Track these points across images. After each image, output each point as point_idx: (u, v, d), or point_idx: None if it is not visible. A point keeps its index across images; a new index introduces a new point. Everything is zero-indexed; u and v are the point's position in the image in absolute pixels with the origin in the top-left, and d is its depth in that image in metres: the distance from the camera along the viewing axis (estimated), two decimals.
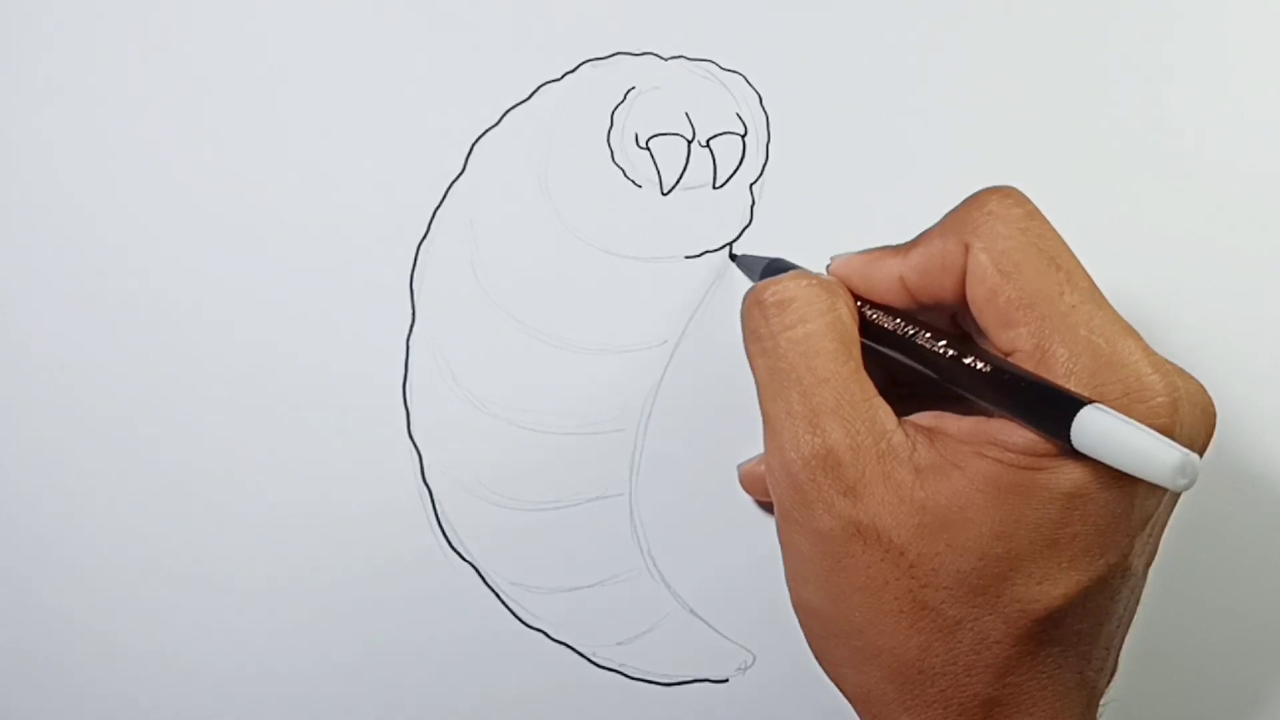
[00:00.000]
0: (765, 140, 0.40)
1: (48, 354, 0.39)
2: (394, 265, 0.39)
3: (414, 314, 0.39)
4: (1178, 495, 0.33)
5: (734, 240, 0.40)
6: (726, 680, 0.39)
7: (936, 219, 0.34)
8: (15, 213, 0.39)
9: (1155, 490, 0.31)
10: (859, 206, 0.40)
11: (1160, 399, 0.29)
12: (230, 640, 0.38)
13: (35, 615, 0.38)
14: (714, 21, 0.41)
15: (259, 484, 0.38)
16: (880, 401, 0.32)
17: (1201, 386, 0.31)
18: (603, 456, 0.39)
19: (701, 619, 0.39)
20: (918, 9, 0.41)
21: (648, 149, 0.40)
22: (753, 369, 0.34)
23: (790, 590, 0.33)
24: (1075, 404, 0.28)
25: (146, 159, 0.39)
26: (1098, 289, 0.31)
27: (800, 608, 0.33)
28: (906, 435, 0.32)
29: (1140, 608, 0.34)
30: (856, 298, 0.34)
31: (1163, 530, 0.33)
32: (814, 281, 0.34)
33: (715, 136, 0.40)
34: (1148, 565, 0.33)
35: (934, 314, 0.34)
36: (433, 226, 0.39)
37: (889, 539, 0.31)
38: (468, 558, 0.39)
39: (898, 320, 0.33)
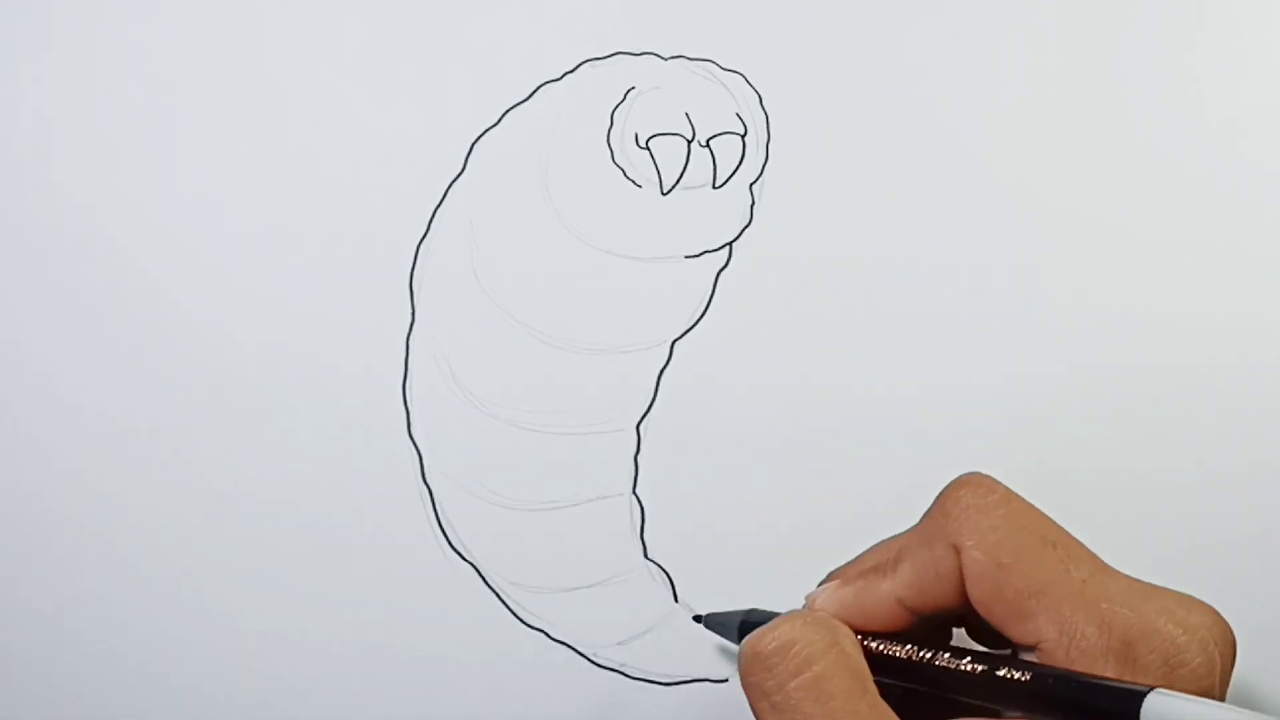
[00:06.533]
0: (765, 140, 0.40)
1: (44, 351, 0.39)
2: (394, 265, 0.39)
3: (414, 313, 0.39)
4: None
5: (734, 240, 0.40)
6: (726, 680, 0.39)
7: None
8: (13, 212, 0.39)
9: None
10: (859, 206, 0.40)
11: (1198, 659, 0.28)
12: (228, 639, 0.38)
13: (28, 611, 0.38)
14: (714, 21, 0.41)
15: (258, 483, 0.38)
16: None
17: (1217, 614, 0.30)
18: (603, 456, 0.39)
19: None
20: (918, 8, 0.41)
21: (648, 149, 0.40)
22: None
23: None
24: (1137, 695, 0.27)
25: (147, 158, 0.39)
26: (1096, 555, 0.30)
27: None
28: None
29: None
30: (855, 632, 0.32)
31: None
32: (809, 619, 0.32)
33: (715, 136, 0.40)
34: None
35: (925, 625, 0.33)
36: (433, 226, 0.39)
37: None
38: (468, 558, 0.39)
39: (909, 647, 0.32)
